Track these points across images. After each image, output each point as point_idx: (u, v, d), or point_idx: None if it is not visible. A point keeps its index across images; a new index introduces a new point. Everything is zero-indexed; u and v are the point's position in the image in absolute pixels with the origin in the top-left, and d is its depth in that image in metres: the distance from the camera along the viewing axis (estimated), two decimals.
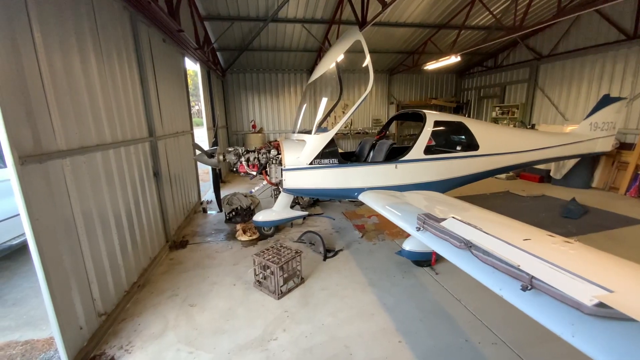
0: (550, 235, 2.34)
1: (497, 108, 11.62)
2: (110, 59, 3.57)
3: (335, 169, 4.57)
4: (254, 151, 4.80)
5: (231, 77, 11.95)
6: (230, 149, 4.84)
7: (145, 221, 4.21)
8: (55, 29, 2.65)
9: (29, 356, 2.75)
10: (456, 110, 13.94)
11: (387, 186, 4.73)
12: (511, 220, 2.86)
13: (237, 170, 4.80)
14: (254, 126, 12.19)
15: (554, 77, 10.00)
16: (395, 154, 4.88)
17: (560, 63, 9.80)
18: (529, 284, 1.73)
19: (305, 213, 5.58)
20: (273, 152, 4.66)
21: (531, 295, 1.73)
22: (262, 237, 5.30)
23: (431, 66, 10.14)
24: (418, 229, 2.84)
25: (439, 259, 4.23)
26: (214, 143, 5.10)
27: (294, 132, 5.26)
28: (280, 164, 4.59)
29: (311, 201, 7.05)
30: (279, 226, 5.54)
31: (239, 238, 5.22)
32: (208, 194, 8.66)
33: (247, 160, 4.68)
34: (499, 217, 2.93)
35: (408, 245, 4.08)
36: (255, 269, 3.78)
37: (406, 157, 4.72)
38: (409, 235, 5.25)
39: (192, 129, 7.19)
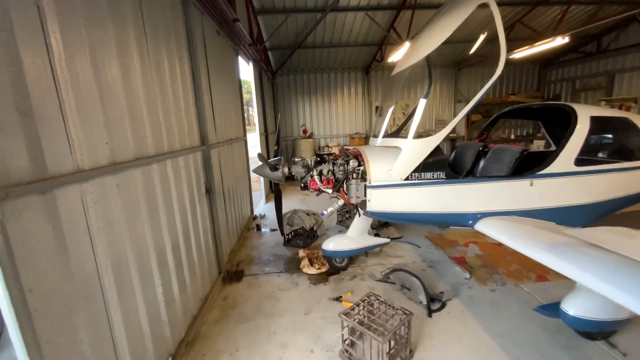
0: None
1: (602, 102, 9.36)
2: (157, 48, 2.72)
3: (444, 186, 3.31)
4: (327, 162, 3.72)
5: (281, 79, 11.20)
6: (297, 159, 3.82)
7: (196, 253, 3.32)
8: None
9: None
10: None
11: (514, 211, 3.34)
12: None
13: (305, 186, 3.75)
14: (304, 131, 11.29)
15: None
16: (522, 166, 3.48)
17: None
18: None
19: (387, 240, 4.36)
20: (353, 163, 3.53)
21: None
22: (333, 269, 4.19)
23: (520, 54, 8.35)
24: None
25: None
26: (275, 152, 4.13)
27: (375, 137, 4.09)
28: (363, 178, 3.44)
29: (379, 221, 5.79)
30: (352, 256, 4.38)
31: (304, 270, 4.16)
32: (259, 206, 7.84)
33: (320, 173, 3.61)
34: None
35: (573, 307, 2.64)
36: (342, 334, 2.65)
37: (548, 170, 3.29)
38: (538, 275, 3.80)
39: (245, 134, 6.39)
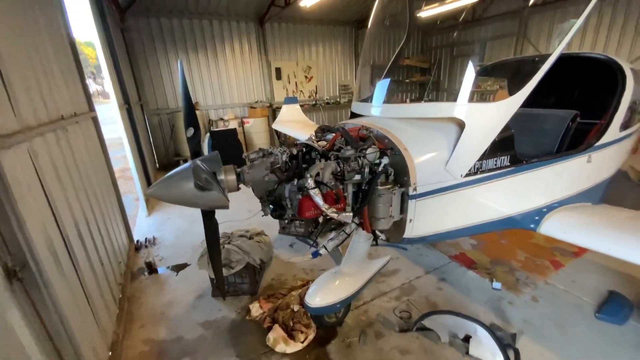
0: None
1: (477, 67, 10.43)
2: None
3: (509, 178, 2.10)
4: (320, 155, 1.88)
5: (136, 23, 7.49)
6: (253, 156, 1.82)
7: None
8: None
9: None
10: (423, 72, 12.48)
11: (571, 197, 2.50)
12: None
13: (281, 211, 1.82)
14: None
15: (546, 28, 9.12)
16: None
17: (550, 13, 8.89)
18: None
19: (389, 257, 2.93)
20: (372, 152, 1.83)
21: None
22: (325, 329, 2.53)
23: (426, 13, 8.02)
24: None
25: None
26: (193, 143, 1.88)
27: (365, 101, 2.46)
28: (395, 183, 1.83)
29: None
30: None
31: (279, 349, 2.34)
32: (138, 223, 4.99)
33: (318, 182, 1.74)
34: None
35: None
36: None
37: (603, 140, 2.53)
38: (551, 261, 3.28)
39: (91, 107, 3.46)
